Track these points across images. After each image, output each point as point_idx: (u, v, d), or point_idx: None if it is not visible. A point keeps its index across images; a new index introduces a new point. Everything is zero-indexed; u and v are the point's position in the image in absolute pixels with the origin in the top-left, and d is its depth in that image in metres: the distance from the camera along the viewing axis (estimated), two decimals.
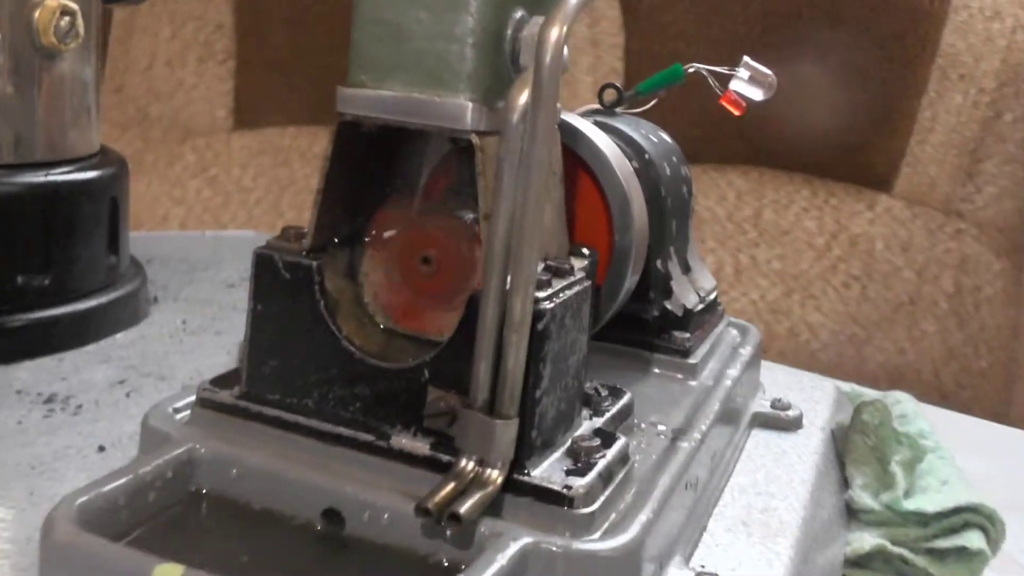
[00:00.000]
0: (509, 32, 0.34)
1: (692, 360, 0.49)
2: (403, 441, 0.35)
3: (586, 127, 0.43)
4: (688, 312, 0.50)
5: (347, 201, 0.37)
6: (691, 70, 0.56)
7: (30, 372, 0.49)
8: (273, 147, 1.35)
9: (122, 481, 0.33)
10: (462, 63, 0.33)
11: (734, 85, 0.55)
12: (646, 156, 0.49)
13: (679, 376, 0.49)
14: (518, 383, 0.32)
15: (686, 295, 0.51)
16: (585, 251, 0.40)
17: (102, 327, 0.54)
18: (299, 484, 0.35)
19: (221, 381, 0.38)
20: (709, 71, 0.56)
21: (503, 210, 0.31)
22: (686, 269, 0.53)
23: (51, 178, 0.51)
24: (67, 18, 0.49)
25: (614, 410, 0.40)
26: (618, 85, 0.53)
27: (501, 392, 0.32)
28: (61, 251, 0.52)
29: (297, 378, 0.36)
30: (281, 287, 0.36)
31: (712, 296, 0.54)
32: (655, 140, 0.51)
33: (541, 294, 0.33)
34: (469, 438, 0.33)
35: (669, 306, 0.49)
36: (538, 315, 0.33)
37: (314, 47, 1.37)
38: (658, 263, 0.49)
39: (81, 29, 0.49)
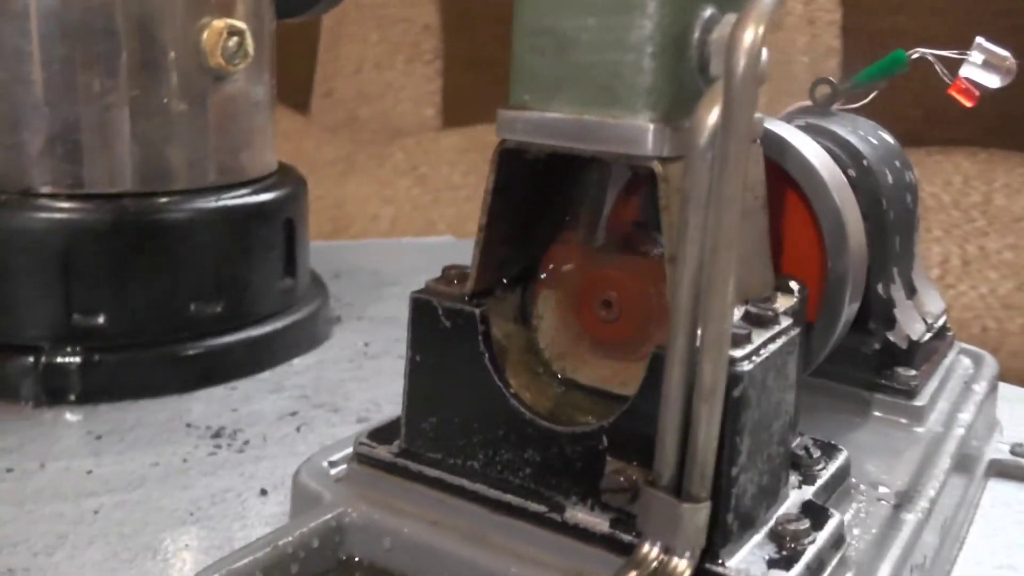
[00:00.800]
0: (696, 35, 0.28)
1: (918, 402, 0.42)
2: (579, 515, 0.30)
3: (793, 135, 0.37)
4: (914, 344, 0.43)
5: (516, 236, 0.32)
6: (915, 56, 0.49)
7: (202, 403, 0.47)
8: (482, 144, 1.32)
9: (259, 555, 0.30)
10: (639, 76, 0.27)
11: (965, 71, 0.48)
12: (864, 162, 0.42)
13: (903, 421, 0.42)
14: (710, 461, 0.27)
15: (911, 324, 0.44)
16: (793, 286, 0.34)
17: (277, 353, 0.52)
18: (458, 559, 0.31)
19: (381, 433, 0.35)
20: (935, 56, 0.48)
21: (689, 254, 0.26)
22: (911, 292, 0.45)
23: (223, 203, 0.50)
24: (235, 38, 0.47)
25: (827, 476, 0.34)
26: (832, 79, 0.46)
27: (690, 471, 0.27)
28: (234, 276, 0.50)
29: (460, 437, 0.32)
30: (442, 336, 0.32)
31: (941, 322, 0.47)
32: (875, 142, 0.44)
33: (738, 352, 0.28)
34: (652, 521, 0.28)
35: (892, 338, 0.43)
36: (734, 379, 0.27)
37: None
38: (879, 288, 0.42)
39: (250, 49, 0.47)
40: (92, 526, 0.37)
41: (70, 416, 0.45)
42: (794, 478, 0.33)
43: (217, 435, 0.44)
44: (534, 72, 0.29)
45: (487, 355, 0.31)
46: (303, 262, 0.56)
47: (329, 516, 0.32)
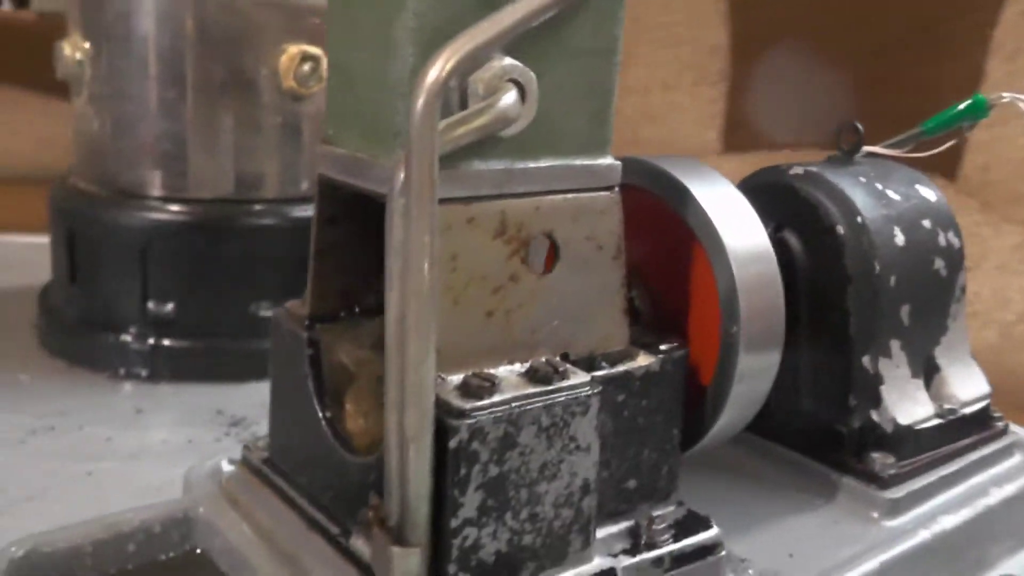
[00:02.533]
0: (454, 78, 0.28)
1: (892, 494, 0.37)
2: (358, 543, 0.31)
3: (704, 186, 0.35)
4: (903, 429, 0.38)
5: (362, 266, 0.33)
6: (1002, 100, 0.43)
7: (242, 395, 0.51)
8: None
9: (94, 529, 0.33)
10: (394, 116, 0.27)
11: None
12: (858, 219, 0.38)
13: (873, 514, 0.37)
14: (419, 508, 0.27)
15: (906, 405, 0.39)
16: (664, 346, 0.32)
17: None
18: (254, 569, 0.32)
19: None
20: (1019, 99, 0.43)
21: (392, 301, 0.26)
22: (926, 370, 0.40)
23: (295, 213, 0.53)
24: (309, 63, 0.51)
25: (667, 550, 0.31)
26: (858, 124, 0.42)
27: (403, 515, 0.27)
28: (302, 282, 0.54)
29: (294, 452, 0.34)
30: (282, 355, 0.34)
31: (973, 408, 0.41)
32: (896, 198, 0.40)
33: (468, 404, 0.27)
34: (376, 561, 0.28)
35: (876, 418, 0.38)
36: (449, 430, 0.27)
37: (809, 66, 1.29)
38: (865, 360, 0.38)
39: (325, 73, 0.51)
40: (72, 485, 0.42)
41: (129, 389, 0.51)
42: (621, 544, 0.31)
43: (235, 424, 0.48)
44: (332, 107, 0.30)
45: (309, 378, 0.32)
46: None
47: (178, 507, 0.35)
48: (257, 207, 0.53)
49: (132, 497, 0.38)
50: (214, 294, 0.52)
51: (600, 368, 0.31)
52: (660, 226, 0.35)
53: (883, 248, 0.38)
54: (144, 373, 0.52)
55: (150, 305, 0.51)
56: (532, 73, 0.28)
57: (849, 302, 0.38)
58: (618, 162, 0.31)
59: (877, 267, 0.38)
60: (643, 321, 0.35)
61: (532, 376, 0.29)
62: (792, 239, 0.39)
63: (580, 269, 0.31)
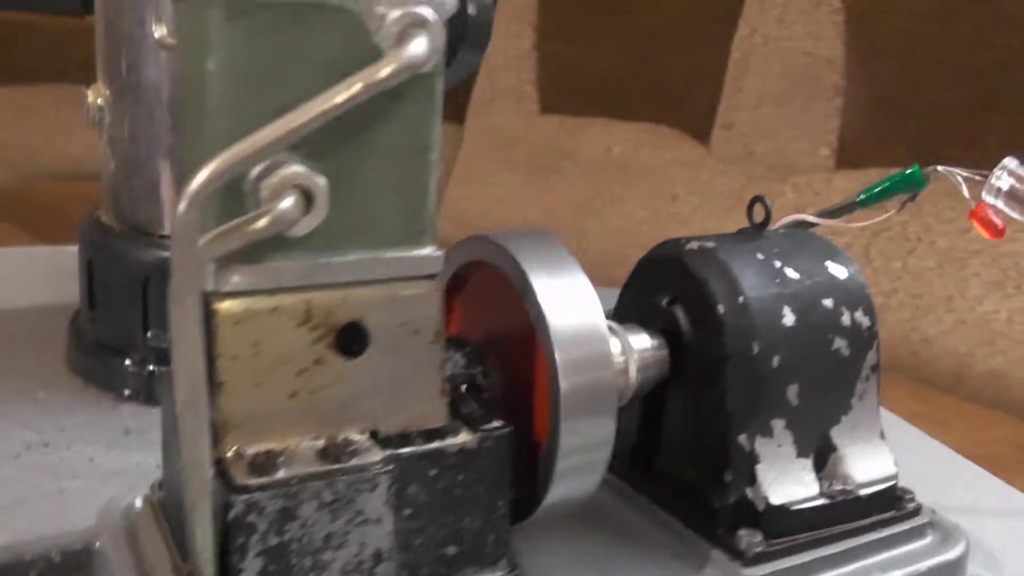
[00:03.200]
0: (251, 179, 0.30)
1: (755, 571, 0.38)
2: None
3: (541, 259, 0.36)
4: (775, 508, 0.38)
5: None
6: (933, 172, 0.43)
7: None
8: None
9: None
10: (210, 210, 0.30)
11: (988, 196, 0.41)
12: (739, 299, 0.38)
13: None
14: (205, 570, 0.30)
15: (785, 485, 0.39)
16: (487, 425, 0.34)
17: None
18: None
19: None
20: (958, 176, 0.42)
21: (177, 385, 0.29)
22: (819, 450, 0.40)
23: None
24: None
25: None
26: (766, 199, 0.42)
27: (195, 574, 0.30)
28: None
29: (171, 495, 0.37)
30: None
31: (871, 490, 0.40)
32: (796, 276, 0.40)
33: (252, 480, 0.30)
34: None
35: (750, 495, 0.38)
36: (228, 503, 0.29)
37: (925, 82, 1.24)
38: (742, 438, 0.38)
39: None
40: (42, 502, 0.47)
41: (125, 411, 0.56)
42: None
43: None
44: None
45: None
46: None
47: (79, 538, 0.39)
48: None
49: (90, 518, 0.43)
50: None
51: (412, 444, 0.33)
52: (508, 304, 0.36)
53: (766, 328, 0.38)
54: (142, 396, 0.56)
55: (149, 334, 0.56)
56: (320, 179, 0.30)
57: (727, 380, 0.38)
58: (439, 252, 0.33)
59: (756, 347, 0.38)
60: (485, 398, 0.37)
61: (324, 454, 0.31)
62: (680, 313, 0.40)
63: (393, 353, 0.33)
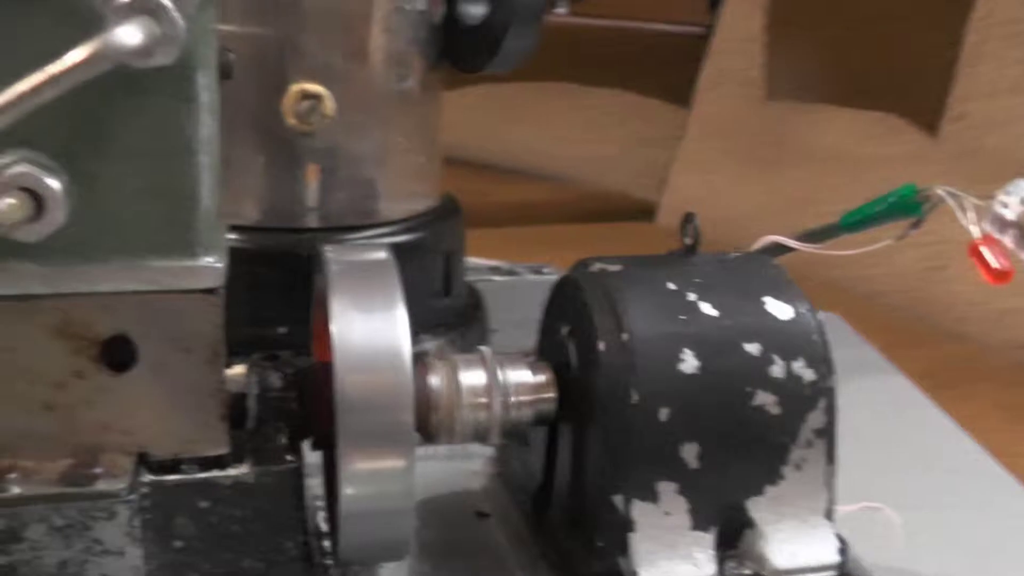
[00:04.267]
0: None
1: None
2: None
3: (352, 292, 0.31)
4: None
5: None
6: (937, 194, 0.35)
7: None
8: None
9: None
10: None
11: (993, 228, 0.33)
12: (623, 336, 0.33)
13: None
14: None
15: (667, 560, 0.33)
16: (270, 459, 0.31)
17: None
18: None
19: None
20: (964, 200, 0.35)
21: None
22: (729, 524, 0.33)
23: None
24: (309, 101, 0.52)
25: None
26: (695, 220, 0.35)
27: None
28: None
29: None
30: None
31: None
32: (714, 314, 0.34)
33: None
34: None
35: (622, 566, 0.33)
36: None
37: None
38: (617, 500, 0.33)
39: (329, 111, 0.52)
40: None
41: None
42: None
43: None
44: None
45: None
46: (458, 285, 0.59)
47: None
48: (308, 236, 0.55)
49: None
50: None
51: (178, 472, 0.30)
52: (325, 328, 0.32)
53: (653, 373, 0.32)
54: None
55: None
56: (53, 181, 0.27)
57: (601, 430, 0.33)
58: (217, 264, 0.30)
59: (636, 395, 0.32)
60: (294, 425, 0.33)
61: (66, 475, 0.29)
62: (571, 347, 0.35)
63: (163, 371, 0.30)
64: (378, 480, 0.30)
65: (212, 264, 0.30)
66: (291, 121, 0.52)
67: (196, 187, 0.29)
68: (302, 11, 0.52)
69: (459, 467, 0.42)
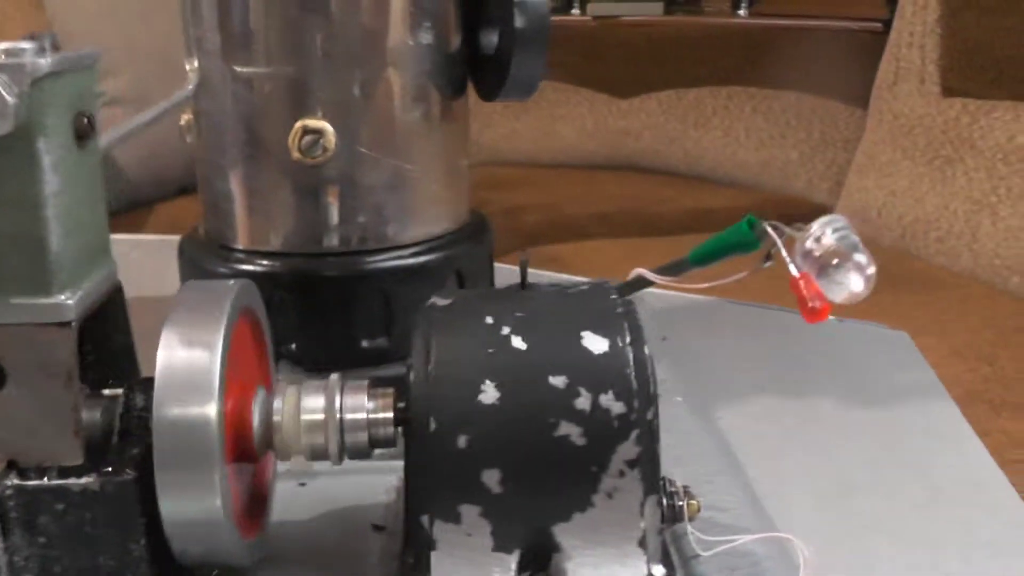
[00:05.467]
0: None
1: None
2: None
3: (187, 319, 0.35)
4: None
5: None
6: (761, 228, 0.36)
7: None
8: None
9: None
10: None
11: (803, 262, 0.34)
12: (428, 368, 0.35)
13: None
14: None
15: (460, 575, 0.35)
16: (116, 472, 0.35)
17: None
18: None
19: None
20: (775, 230, 0.36)
21: None
22: (534, 548, 0.35)
23: (371, 265, 0.59)
24: (311, 136, 0.57)
25: None
26: (525, 258, 0.37)
27: None
28: (399, 322, 0.58)
29: None
30: None
31: None
32: (521, 347, 0.36)
33: None
34: None
35: None
36: None
37: None
38: (423, 519, 0.35)
39: (331, 145, 0.57)
40: None
41: None
42: None
43: None
44: None
45: None
46: None
47: None
48: (330, 259, 0.59)
49: None
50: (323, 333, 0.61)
51: (36, 478, 0.35)
52: None
53: (452, 403, 0.35)
54: None
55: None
56: None
57: (409, 455, 0.35)
58: (69, 301, 0.35)
59: (434, 423, 0.35)
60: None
61: None
62: (410, 375, 0.37)
63: (28, 392, 0.35)
64: (189, 494, 0.35)
65: (65, 301, 0.35)
66: (296, 155, 0.57)
67: (46, 236, 0.34)
68: (314, 51, 0.57)
69: (377, 481, 0.45)
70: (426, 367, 0.35)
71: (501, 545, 0.35)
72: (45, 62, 0.33)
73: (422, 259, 0.59)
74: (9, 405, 0.36)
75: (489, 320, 0.36)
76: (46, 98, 0.34)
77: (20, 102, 0.33)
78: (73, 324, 0.35)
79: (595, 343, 0.35)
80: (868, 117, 1.50)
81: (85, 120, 0.36)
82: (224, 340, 0.35)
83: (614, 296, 0.38)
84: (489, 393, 0.35)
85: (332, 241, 0.59)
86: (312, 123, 0.56)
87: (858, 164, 1.50)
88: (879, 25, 1.53)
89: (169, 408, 0.34)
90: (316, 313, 0.59)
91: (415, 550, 0.35)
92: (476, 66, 0.62)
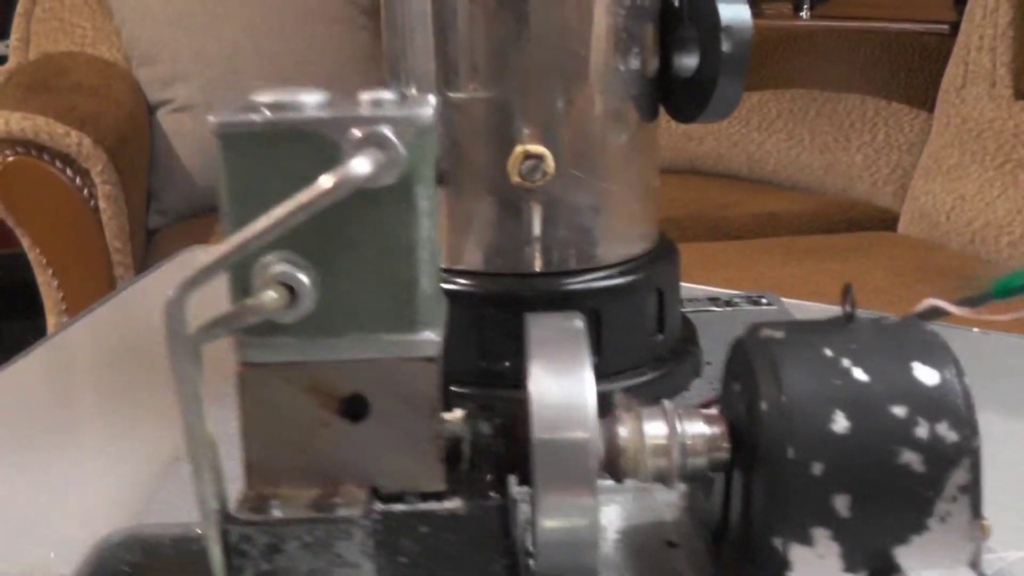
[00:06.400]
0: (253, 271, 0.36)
1: None
2: None
3: (548, 350, 0.37)
4: None
5: None
6: None
7: None
8: None
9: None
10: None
11: None
12: (782, 399, 0.37)
13: None
14: None
15: None
16: (481, 496, 0.37)
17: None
18: None
19: None
20: None
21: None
22: (878, 569, 0.37)
23: (573, 285, 0.61)
24: (531, 161, 0.58)
25: None
26: (851, 289, 0.39)
27: None
28: (608, 341, 0.59)
29: None
30: None
31: None
32: (864, 379, 0.37)
33: (244, 516, 0.36)
34: None
35: None
36: (225, 531, 0.36)
37: None
38: (776, 542, 0.37)
39: (550, 168, 0.58)
40: None
41: None
42: None
43: None
44: None
45: None
46: (672, 321, 0.64)
47: None
48: (530, 280, 0.61)
49: None
50: None
51: (401, 503, 0.37)
52: None
53: (808, 432, 0.36)
54: None
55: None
56: (303, 276, 0.35)
57: (764, 480, 0.37)
58: (435, 338, 0.37)
59: (792, 451, 0.36)
60: (501, 467, 0.39)
61: (316, 503, 0.37)
62: (743, 403, 0.39)
63: (390, 424, 0.37)
64: (567, 514, 0.36)
65: (430, 338, 0.37)
66: (516, 179, 0.59)
67: (416, 277, 0.36)
68: (525, 77, 0.59)
69: (657, 499, 0.47)
70: (779, 398, 0.37)
71: (850, 567, 0.37)
72: (428, 113, 0.35)
73: (629, 278, 0.61)
74: (371, 435, 0.37)
75: (828, 352, 0.38)
76: (426, 146, 0.35)
77: (408, 153, 0.34)
78: (437, 359, 0.37)
79: (926, 374, 0.37)
80: (934, 120, 1.52)
81: (442, 166, 0.38)
82: (590, 369, 0.37)
83: (928, 328, 0.39)
84: (840, 423, 0.36)
85: (541, 261, 0.61)
86: (533, 148, 0.58)
87: (924, 167, 1.52)
88: (946, 27, 1.55)
89: (549, 434, 0.36)
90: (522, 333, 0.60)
91: (766, 571, 0.37)
92: (669, 89, 0.64)
